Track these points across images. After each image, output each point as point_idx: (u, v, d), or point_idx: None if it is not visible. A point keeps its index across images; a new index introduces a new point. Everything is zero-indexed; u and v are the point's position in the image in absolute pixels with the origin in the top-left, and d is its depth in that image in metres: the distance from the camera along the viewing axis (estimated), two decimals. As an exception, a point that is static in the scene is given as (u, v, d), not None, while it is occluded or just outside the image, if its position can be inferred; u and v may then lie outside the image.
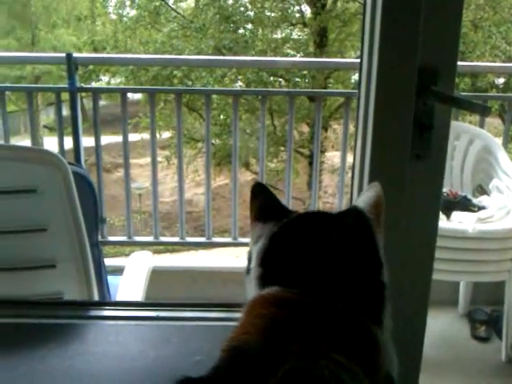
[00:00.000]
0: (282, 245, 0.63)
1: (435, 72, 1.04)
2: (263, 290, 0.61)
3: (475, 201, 2.53)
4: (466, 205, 2.46)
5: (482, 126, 2.85)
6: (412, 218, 1.10)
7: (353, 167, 1.15)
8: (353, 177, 1.16)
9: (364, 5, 1.07)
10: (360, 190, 1.12)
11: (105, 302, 1.48)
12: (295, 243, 0.63)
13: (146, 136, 8.57)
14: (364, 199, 0.69)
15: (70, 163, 1.35)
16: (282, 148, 8.42)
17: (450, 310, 2.69)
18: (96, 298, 1.43)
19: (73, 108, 2.68)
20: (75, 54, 2.66)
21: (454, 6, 1.03)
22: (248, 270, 0.67)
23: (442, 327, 2.56)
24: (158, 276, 1.85)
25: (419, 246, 1.16)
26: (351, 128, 2.95)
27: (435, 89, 1.04)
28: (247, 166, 8.44)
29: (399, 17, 1.00)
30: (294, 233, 0.64)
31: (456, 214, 2.38)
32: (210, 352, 1.05)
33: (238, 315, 1.16)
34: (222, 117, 8.11)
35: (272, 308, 0.58)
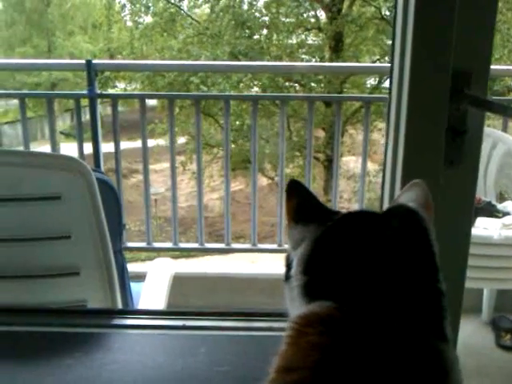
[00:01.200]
0: (328, 250, 0.57)
1: (468, 75, 1.01)
2: (310, 305, 0.55)
3: (499, 206, 2.49)
4: (490, 211, 2.42)
5: (504, 129, 2.80)
6: (444, 225, 1.07)
7: (383, 173, 1.13)
8: (383, 182, 1.13)
9: (395, 6, 1.05)
10: (391, 195, 1.09)
11: (130, 311, 1.46)
12: (344, 248, 0.57)
13: (162, 142, 8.65)
14: (409, 198, 0.64)
15: (93, 170, 1.34)
16: (298, 153, 8.40)
17: (474, 317, 2.63)
18: (119, 305, 1.42)
19: (92, 114, 2.68)
20: (94, 61, 2.67)
21: (487, 7, 1.01)
22: (287, 276, 0.61)
23: (465, 335, 2.50)
24: (178, 282, 1.84)
25: (451, 254, 1.13)
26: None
27: (469, 92, 1.02)
28: (262, 171, 8.43)
29: (432, 19, 0.97)
30: (341, 236, 0.58)
31: (480, 220, 2.34)
32: (238, 362, 1.04)
33: (264, 325, 1.15)
34: (237, 122, 8.11)
35: (325, 335, 0.51)
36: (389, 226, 0.59)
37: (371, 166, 7.47)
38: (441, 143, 1.02)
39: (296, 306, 0.57)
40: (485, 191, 2.66)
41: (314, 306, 0.54)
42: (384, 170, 1.13)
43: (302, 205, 0.64)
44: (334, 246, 0.58)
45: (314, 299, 0.55)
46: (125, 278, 1.52)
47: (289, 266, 0.61)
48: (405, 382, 0.50)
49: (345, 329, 0.52)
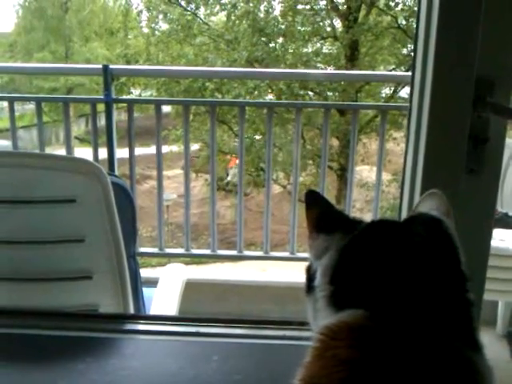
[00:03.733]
0: (357, 258, 0.56)
1: (491, 83, 1.00)
2: (338, 315, 0.53)
3: (517, 218, 2.45)
4: (506, 222, 2.39)
5: (523, 140, 2.76)
6: (463, 236, 1.05)
7: (402, 181, 1.11)
8: (402, 191, 1.11)
9: (418, 13, 1.03)
10: (410, 203, 1.07)
11: (143, 316, 1.45)
12: (373, 256, 0.55)
13: (175, 148, 8.67)
14: (430, 207, 0.63)
15: (109, 173, 1.34)
16: (311, 161, 8.38)
17: (488, 330, 2.58)
18: (131, 310, 1.41)
19: (108, 119, 2.69)
20: (111, 66, 2.67)
21: (512, 14, 0.99)
22: (309, 287, 0.59)
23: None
24: (190, 288, 1.83)
25: (470, 264, 1.10)
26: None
27: (491, 100, 1.00)
28: (275, 179, 8.42)
29: (457, 26, 0.96)
30: (369, 245, 0.57)
31: (497, 232, 2.30)
32: (251, 371, 1.03)
33: (279, 333, 1.12)
34: (250, 132, 8.09)
35: (353, 348, 0.49)
36: (416, 234, 0.58)
37: (384, 176, 7.41)
38: (462, 151, 1.01)
39: (321, 318, 0.56)
40: (501, 202, 2.62)
41: (343, 315, 0.53)
42: (403, 178, 1.11)
43: (324, 214, 0.63)
44: (363, 254, 0.56)
45: (342, 308, 0.54)
46: (137, 284, 1.51)
47: (311, 277, 0.60)
48: None
49: (375, 340, 0.50)
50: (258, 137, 8.18)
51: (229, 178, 9.59)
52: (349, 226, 0.60)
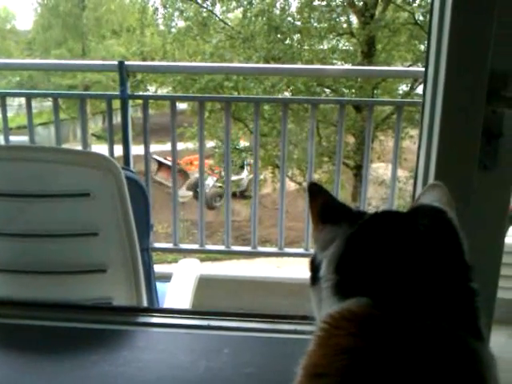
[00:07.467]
0: (361, 248, 0.57)
1: (506, 77, 0.99)
2: (341, 303, 0.54)
3: (533, 216, 2.42)
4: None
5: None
6: (476, 232, 1.04)
7: (415, 177, 1.11)
8: (415, 187, 1.11)
9: (431, 6, 1.03)
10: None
11: (155, 309, 1.46)
12: (379, 246, 0.56)
13: (191, 145, 8.70)
14: (432, 198, 0.64)
15: (122, 168, 1.35)
16: (327, 159, 8.35)
17: (505, 329, 2.55)
18: (145, 303, 1.42)
19: (124, 115, 2.71)
20: (127, 62, 2.69)
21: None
22: (314, 279, 0.60)
23: (495, 348, 2.42)
24: (203, 284, 1.84)
25: (483, 262, 1.09)
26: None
27: (506, 95, 0.99)
28: (290, 176, 8.41)
29: (470, 19, 0.95)
30: (375, 235, 0.57)
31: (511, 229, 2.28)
32: (262, 364, 1.03)
33: (289, 327, 1.13)
34: (266, 130, 8.08)
35: (355, 336, 0.50)
36: (420, 224, 0.59)
37: (401, 173, 7.37)
38: (475, 147, 1.00)
39: (326, 308, 0.56)
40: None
41: (349, 303, 0.53)
42: (416, 175, 1.11)
43: (328, 205, 0.64)
44: (368, 243, 0.57)
45: (347, 297, 0.54)
46: (151, 277, 1.52)
47: (316, 268, 0.61)
48: None
49: (378, 328, 0.50)
50: (273, 134, 8.15)
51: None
52: (353, 216, 0.61)
